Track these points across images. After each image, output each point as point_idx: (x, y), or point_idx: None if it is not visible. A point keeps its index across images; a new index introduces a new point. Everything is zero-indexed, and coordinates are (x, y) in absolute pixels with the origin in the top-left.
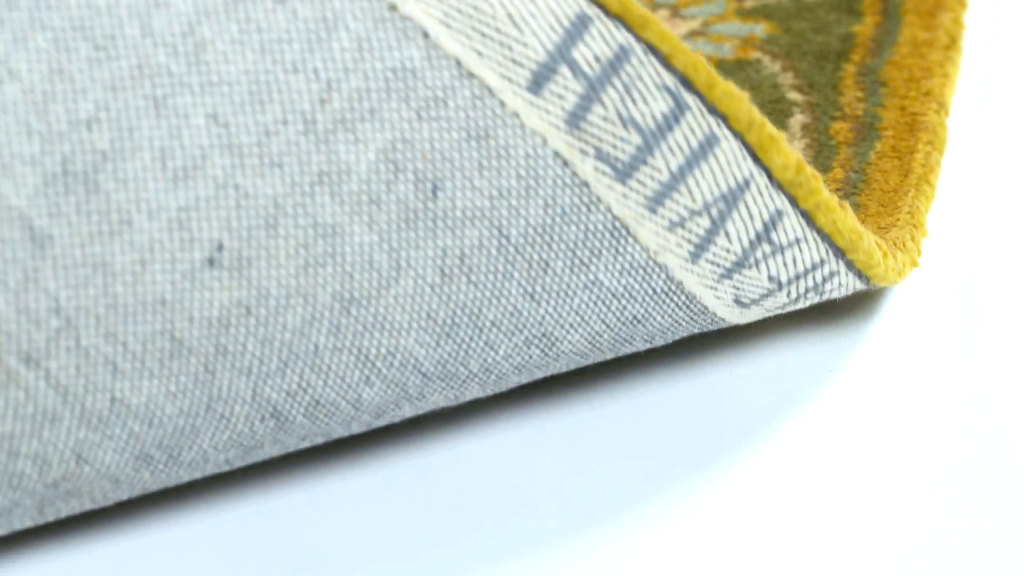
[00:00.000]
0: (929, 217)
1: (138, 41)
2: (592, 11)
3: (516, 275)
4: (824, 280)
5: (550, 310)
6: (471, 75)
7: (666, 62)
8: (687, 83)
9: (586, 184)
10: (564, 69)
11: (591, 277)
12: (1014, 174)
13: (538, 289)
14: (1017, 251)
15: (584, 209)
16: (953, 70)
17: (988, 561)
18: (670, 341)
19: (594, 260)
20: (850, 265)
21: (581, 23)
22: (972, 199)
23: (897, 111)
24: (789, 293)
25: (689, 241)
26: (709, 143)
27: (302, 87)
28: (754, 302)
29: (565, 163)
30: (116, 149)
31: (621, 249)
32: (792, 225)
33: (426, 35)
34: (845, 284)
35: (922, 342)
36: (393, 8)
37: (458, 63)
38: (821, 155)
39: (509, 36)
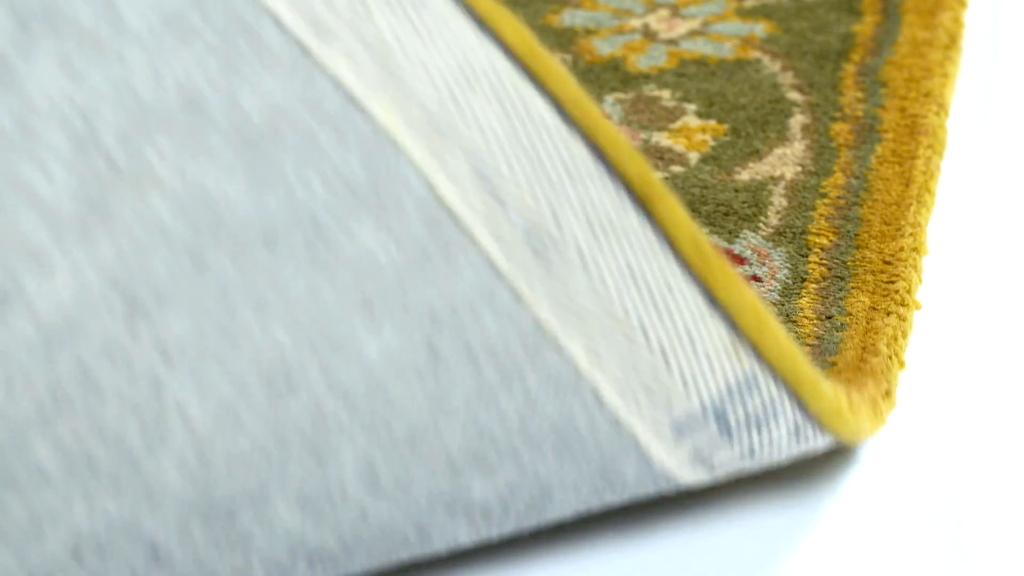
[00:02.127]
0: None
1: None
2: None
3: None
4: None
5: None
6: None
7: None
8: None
9: None
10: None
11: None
12: (1014, 173)
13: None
14: (1018, 248)
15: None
16: (953, 70)
17: None
18: (598, 499)
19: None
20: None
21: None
22: (973, 198)
23: (897, 113)
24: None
25: None
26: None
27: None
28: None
29: None
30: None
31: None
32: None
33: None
34: (787, 417)
35: (923, 341)
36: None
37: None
38: (821, 157)
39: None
